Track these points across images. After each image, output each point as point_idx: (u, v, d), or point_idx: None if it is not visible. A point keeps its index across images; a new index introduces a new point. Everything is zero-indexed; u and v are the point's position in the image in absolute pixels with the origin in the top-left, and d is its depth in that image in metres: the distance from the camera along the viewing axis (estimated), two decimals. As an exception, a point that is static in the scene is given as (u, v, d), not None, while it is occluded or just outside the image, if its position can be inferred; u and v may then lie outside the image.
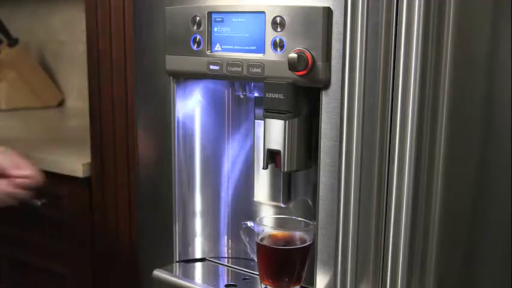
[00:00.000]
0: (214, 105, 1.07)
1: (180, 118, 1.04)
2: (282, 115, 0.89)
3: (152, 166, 1.09)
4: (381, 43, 0.80)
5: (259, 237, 0.97)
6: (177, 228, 1.07)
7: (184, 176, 1.06)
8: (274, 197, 1.04)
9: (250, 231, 1.02)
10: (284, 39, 0.88)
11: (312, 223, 0.95)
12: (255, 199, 1.06)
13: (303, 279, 0.97)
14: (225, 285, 1.03)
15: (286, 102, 0.88)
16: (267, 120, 0.91)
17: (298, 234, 0.97)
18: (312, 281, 0.93)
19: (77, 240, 1.49)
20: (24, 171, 1.13)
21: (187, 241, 1.08)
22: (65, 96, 2.26)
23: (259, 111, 1.02)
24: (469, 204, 0.78)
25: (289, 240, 0.97)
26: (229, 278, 1.06)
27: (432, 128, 0.78)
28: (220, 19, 0.94)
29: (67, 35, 2.17)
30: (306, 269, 0.96)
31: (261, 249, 0.97)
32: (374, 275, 0.86)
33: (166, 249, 1.08)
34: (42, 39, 2.25)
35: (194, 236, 1.09)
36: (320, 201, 0.89)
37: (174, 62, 1.00)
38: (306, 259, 0.96)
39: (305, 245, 0.95)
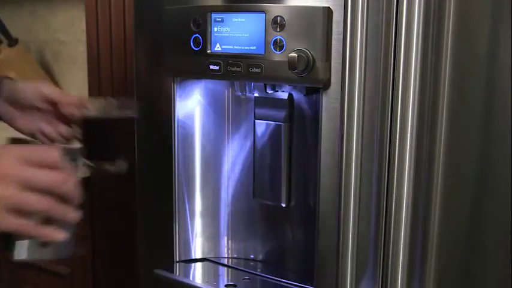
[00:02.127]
0: (214, 105, 1.07)
1: (180, 118, 1.04)
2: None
3: (152, 166, 1.09)
4: (381, 43, 0.80)
5: None
6: (177, 228, 1.07)
7: (184, 176, 1.06)
8: (274, 197, 1.04)
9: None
10: (284, 39, 0.88)
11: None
12: (255, 199, 1.06)
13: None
14: (225, 285, 1.03)
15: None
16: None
17: None
18: (312, 281, 0.93)
19: (77, 240, 1.49)
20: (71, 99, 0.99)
21: (187, 241, 1.08)
22: (65, 96, 2.25)
23: (259, 111, 1.02)
24: (469, 204, 0.78)
25: None
26: (229, 278, 1.06)
27: (432, 128, 0.78)
28: (220, 19, 0.94)
29: (67, 35, 2.17)
30: None
31: None
32: (374, 275, 0.86)
33: (166, 249, 1.08)
34: (42, 39, 2.25)
35: (194, 236, 1.09)
36: (320, 201, 0.89)
37: (174, 62, 1.00)
38: None
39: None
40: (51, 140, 0.99)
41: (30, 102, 0.99)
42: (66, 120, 1.00)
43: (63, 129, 1.00)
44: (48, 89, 1.00)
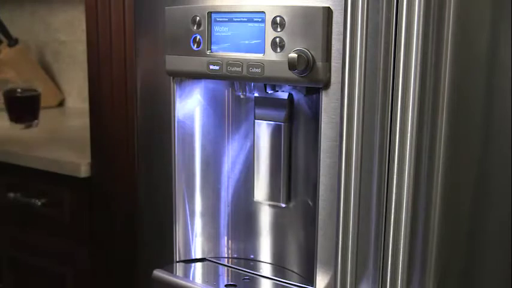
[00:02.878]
0: (214, 105, 1.07)
1: (180, 118, 1.04)
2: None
3: (152, 166, 1.09)
4: (381, 43, 0.80)
5: None
6: (177, 228, 1.07)
7: (184, 176, 1.06)
8: (274, 197, 1.04)
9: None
10: (284, 39, 0.88)
11: None
12: (255, 199, 1.06)
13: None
14: (225, 285, 1.03)
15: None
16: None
17: None
18: (312, 281, 0.93)
19: (76, 240, 1.49)
20: None
21: (187, 241, 1.08)
22: (65, 96, 2.26)
23: (259, 111, 1.02)
24: (469, 204, 0.78)
25: None
26: (229, 278, 1.06)
27: (432, 128, 0.78)
28: (220, 19, 0.94)
29: (67, 35, 2.17)
30: None
31: None
32: (374, 275, 0.86)
33: (166, 249, 1.08)
34: (42, 39, 2.25)
35: (194, 236, 1.09)
36: (320, 201, 0.89)
37: (174, 62, 1.00)
38: None
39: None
40: None
41: None
42: None
43: None
44: None
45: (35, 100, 1.53)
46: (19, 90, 1.52)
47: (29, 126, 1.52)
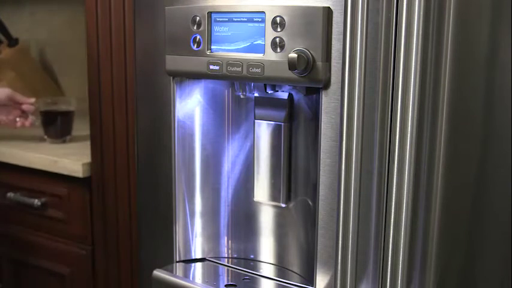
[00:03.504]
0: (214, 105, 1.07)
1: (180, 118, 1.04)
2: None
3: (152, 166, 1.09)
4: (381, 43, 0.80)
5: None
6: (177, 228, 1.07)
7: (184, 176, 1.06)
8: (274, 197, 1.04)
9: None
10: (284, 39, 0.88)
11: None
12: (255, 199, 1.06)
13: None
14: (225, 285, 1.03)
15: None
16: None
17: None
18: (312, 281, 0.93)
19: (77, 240, 1.49)
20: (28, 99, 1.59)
21: (187, 241, 1.09)
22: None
23: (259, 111, 1.02)
24: (469, 204, 0.78)
25: None
26: (229, 278, 1.06)
27: (432, 128, 0.78)
28: (220, 19, 0.94)
29: (67, 35, 2.17)
30: None
31: None
32: (374, 275, 0.86)
33: (166, 249, 1.08)
34: (42, 39, 2.25)
35: (194, 236, 1.09)
36: (320, 201, 0.89)
37: (174, 62, 1.00)
38: None
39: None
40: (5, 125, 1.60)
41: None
42: (24, 112, 1.60)
43: (20, 118, 1.60)
44: (14, 93, 1.59)
45: (69, 117, 1.70)
46: (54, 108, 1.69)
47: (63, 141, 1.67)
